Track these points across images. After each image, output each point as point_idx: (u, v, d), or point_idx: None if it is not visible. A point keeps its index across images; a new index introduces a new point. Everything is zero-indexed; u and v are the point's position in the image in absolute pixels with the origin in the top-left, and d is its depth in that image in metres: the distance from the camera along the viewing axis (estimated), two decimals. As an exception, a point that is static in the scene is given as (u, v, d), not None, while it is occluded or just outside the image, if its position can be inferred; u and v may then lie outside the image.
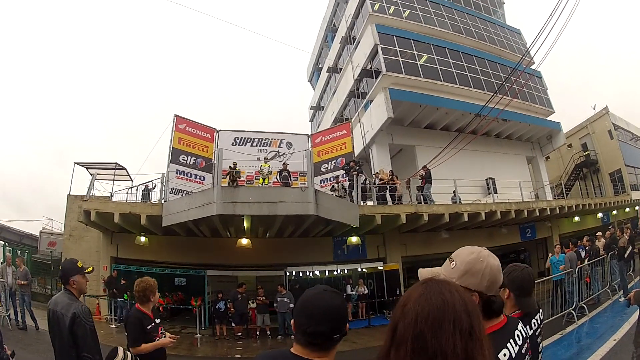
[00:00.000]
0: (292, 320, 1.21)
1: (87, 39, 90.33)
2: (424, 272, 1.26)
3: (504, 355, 1.15)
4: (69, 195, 13.36)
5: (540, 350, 1.84)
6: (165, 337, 3.02)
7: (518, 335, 1.24)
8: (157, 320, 3.06)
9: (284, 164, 11.09)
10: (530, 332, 1.74)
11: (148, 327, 2.88)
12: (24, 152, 73.57)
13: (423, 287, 0.83)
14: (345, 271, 12.35)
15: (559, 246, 9.39)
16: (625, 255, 8.56)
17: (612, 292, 8.65)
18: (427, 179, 12.44)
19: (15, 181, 65.65)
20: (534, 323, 1.82)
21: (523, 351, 1.23)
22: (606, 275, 9.13)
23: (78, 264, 2.63)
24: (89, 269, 2.64)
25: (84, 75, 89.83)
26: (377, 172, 12.88)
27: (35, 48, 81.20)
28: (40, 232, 18.23)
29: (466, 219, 11.89)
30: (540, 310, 1.97)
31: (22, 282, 8.22)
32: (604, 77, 69.44)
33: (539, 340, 1.85)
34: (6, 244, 19.16)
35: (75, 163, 13.31)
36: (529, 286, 1.92)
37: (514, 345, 1.19)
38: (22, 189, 66.56)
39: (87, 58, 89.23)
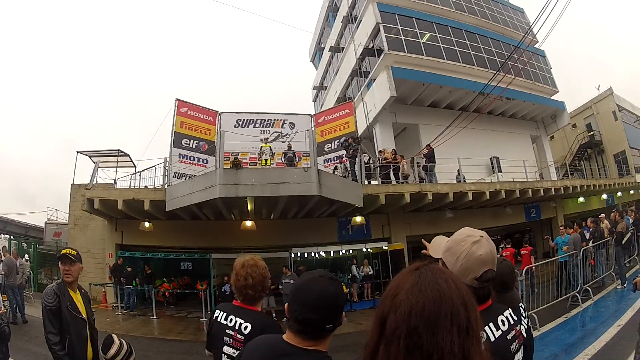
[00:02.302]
0: (286, 305, 1.13)
1: (89, 27, 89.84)
2: (440, 239, 1.31)
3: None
4: (72, 185, 13.38)
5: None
6: None
7: (503, 321, 1.21)
8: None
9: (289, 144, 11.00)
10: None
11: None
12: (30, 144, 73.98)
13: (415, 276, 0.74)
14: (350, 251, 12.35)
15: (564, 227, 9.29)
16: (623, 242, 8.27)
17: (617, 275, 8.46)
18: (430, 157, 12.33)
19: (23, 172, 66.19)
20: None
21: (509, 337, 1.20)
22: (610, 258, 8.94)
23: (63, 251, 2.66)
24: (65, 255, 2.62)
25: (88, 63, 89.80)
26: (380, 151, 12.79)
27: (39, 40, 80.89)
28: (46, 223, 18.40)
29: (470, 198, 11.82)
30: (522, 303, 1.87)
31: (1, 273, 8.20)
32: (613, 57, 68.44)
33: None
34: (11, 237, 19.33)
35: (78, 152, 13.32)
36: (510, 280, 1.84)
37: (494, 329, 1.16)
38: (29, 180, 67.13)
39: (91, 47, 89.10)
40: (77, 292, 2.68)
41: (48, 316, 2.41)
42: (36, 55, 79.44)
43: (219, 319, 1.80)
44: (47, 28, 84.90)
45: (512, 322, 1.23)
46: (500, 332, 1.17)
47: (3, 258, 8.66)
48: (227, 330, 1.73)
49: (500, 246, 11.01)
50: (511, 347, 1.20)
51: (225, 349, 1.71)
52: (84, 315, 2.60)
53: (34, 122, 77.15)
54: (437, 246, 1.29)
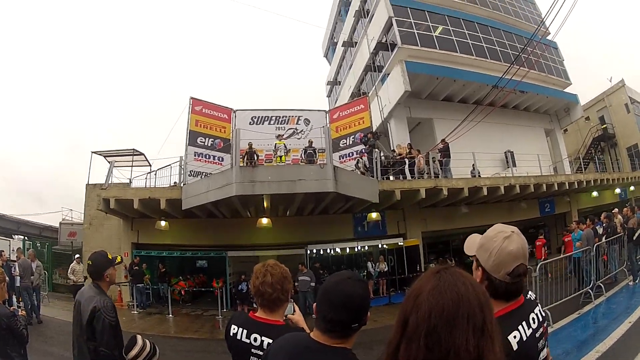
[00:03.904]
0: (314, 304, 1.21)
1: (102, 27, 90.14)
2: (474, 237, 1.35)
3: (514, 337, 1.11)
4: (87, 185, 13.45)
5: None
6: None
7: (533, 319, 1.21)
8: None
9: (310, 140, 11.01)
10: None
11: None
12: (40, 145, 74.72)
13: (436, 279, 0.79)
14: (366, 248, 12.32)
15: (577, 223, 9.44)
16: (634, 238, 8.23)
17: (629, 271, 8.44)
18: (445, 152, 12.24)
19: (33, 175, 66.88)
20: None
21: (537, 335, 1.21)
22: (623, 254, 8.85)
23: (109, 255, 2.56)
24: (118, 260, 2.59)
25: (99, 64, 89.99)
26: (393, 150, 12.75)
27: (51, 40, 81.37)
28: (60, 223, 18.55)
29: (485, 193, 11.72)
30: None
31: (15, 274, 8.25)
32: (624, 48, 67.34)
33: None
34: (26, 238, 19.57)
35: (92, 152, 13.38)
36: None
37: (526, 328, 1.17)
38: (40, 183, 67.87)
39: (101, 47, 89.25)
40: None
41: (112, 332, 2.32)
42: (43, 50, 79.81)
43: (238, 337, 1.64)
44: (59, 23, 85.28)
45: (540, 319, 1.24)
46: (530, 330, 1.18)
47: (19, 260, 8.75)
48: (253, 350, 1.58)
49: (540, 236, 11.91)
50: (539, 344, 1.21)
51: None
52: None
53: (42, 123, 77.82)
54: (471, 244, 1.33)
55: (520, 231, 1.23)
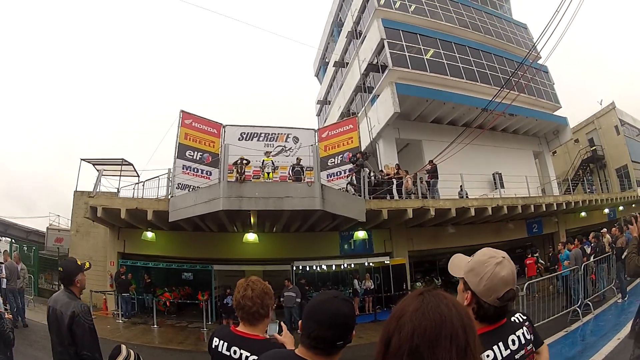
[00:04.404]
0: (300, 322, 1.23)
1: (95, 36, 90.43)
2: (459, 257, 1.34)
3: (487, 356, 1.14)
4: (75, 192, 13.40)
5: None
6: None
7: (513, 340, 1.23)
8: None
9: (298, 158, 11.11)
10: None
11: None
12: (30, 150, 74.14)
13: (419, 300, 0.80)
14: (352, 265, 12.34)
15: (562, 245, 9.60)
16: (623, 257, 8.37)
17: (617, 289, 8.52)
18: (433, 173, 12.39)
19: (22, 179, 66.17)
20: None
21: (517, 357, 1.21)
22: (612, 272, 8.96)
23: (78, 262, 2.65)
24: (87, 266, 2.66)
25: (91, 72, 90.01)
26: (381, 170, 12.89)
27: (41, 45, 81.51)
28: (47, 228, 18.37)
29: (473, 213, 11.83)
30: None
31: (2, 277, 8.23)
32: (612, 71, 68.86)
33: None
34: (13, 240, 19.34)
35: (81, 159, 13.39)
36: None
37: (502, 348, 1.18)
38: (28, 186, 67.04)
39: (93, 55, 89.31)
40: None
41: (92, 335, 2.38)
42: (33, 56, 79.60)
43: (219, 349, 1.69)
44: (52, 31, 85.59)
45: (523, 341, 1.25)
46: (508, 351, 1.19)
47: (5, 262, 8.71)
48: None
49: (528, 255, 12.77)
50: None
51: None
52: None
53: (32, 128, 77.41)
54: (457, 265, 1.32)
55: (508, 255, 1.25)
